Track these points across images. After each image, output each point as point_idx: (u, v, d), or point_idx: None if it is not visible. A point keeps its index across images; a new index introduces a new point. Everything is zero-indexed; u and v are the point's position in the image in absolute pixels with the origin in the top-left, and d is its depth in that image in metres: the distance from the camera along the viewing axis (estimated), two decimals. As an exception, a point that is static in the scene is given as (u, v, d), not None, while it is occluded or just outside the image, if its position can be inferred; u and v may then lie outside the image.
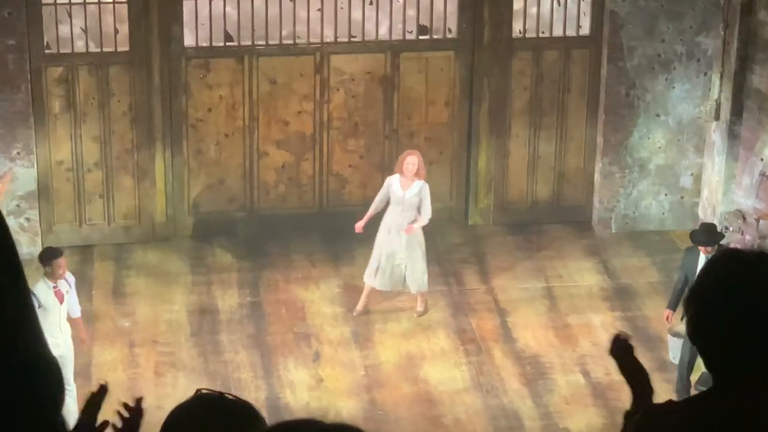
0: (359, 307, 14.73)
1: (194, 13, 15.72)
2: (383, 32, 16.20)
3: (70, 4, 15.48)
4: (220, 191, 16.38)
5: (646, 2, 15.86)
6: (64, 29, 15.64)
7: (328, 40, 16.05)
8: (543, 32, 16.35)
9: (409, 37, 16.26)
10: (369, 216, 14.64)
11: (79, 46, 15.68)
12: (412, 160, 14.41)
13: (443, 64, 16.30)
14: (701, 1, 15.80)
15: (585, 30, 16.34)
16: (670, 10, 15.90)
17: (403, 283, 14.65)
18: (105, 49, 15.65)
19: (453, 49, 16.28)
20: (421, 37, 16.30)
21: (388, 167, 16.47)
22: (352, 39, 16.13)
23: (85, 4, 15.49)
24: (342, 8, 15.99)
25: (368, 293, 14.75)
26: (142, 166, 16.01)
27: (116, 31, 15.62)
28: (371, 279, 14.66)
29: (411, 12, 16.24)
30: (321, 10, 15.92)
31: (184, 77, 15.89)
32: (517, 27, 16.27)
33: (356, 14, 16.10)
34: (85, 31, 15.72)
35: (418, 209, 14.46)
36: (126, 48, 15.67)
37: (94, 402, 4.69)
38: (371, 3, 16.11)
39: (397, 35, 16.20)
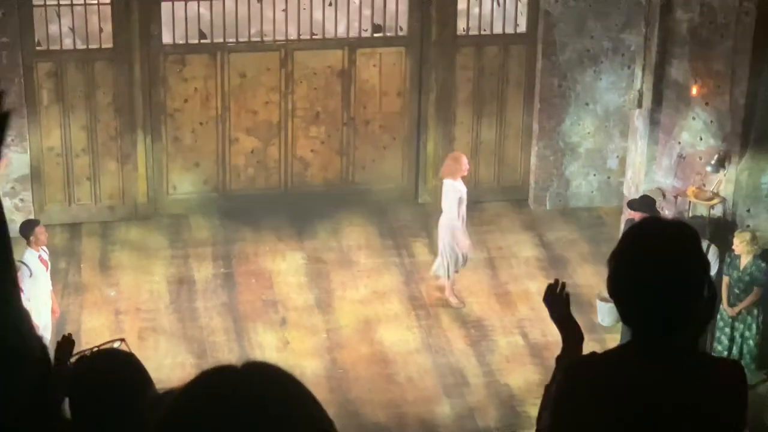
0: (456, 300, 14.32)
1: (171, 13, 15.58)
2: (341, 30, 16.11)
3: (59, 5, 15.33)
4: (196, 174, 16.25)
5: (576, 2, 15.85)
6: (53, 28, 15.47)
7: (292, 37, 15.95)
8: (484, 30, 16.31)
9: (364, 34, 16.17)
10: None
11: (67, 43, 15.51)
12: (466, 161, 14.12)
13: (395, 59, 16.23)
14: (625, 1, 15.82)
15: (522, 28, 16.30)
16: (597, 10, 15.91)
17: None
18: (90, 46, 15.51)
19: (404, 46, 16.21)
20: (375, 35, 16.21)
21: (345, 152, 16.43)
22: (313, 36, 16.04)
23: (72, 5, 15.32)
24: (304, 9, 15.89)
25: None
26: (125, 151, 15.87)
27: (101, 30, 15.46)
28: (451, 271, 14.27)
29: (366, 12, 16.16)
30: (285, 10, 15.84)
31: (162, 71, 15.75)
32: (461, 25, 16.21)
33: (317, 14, 16.01)
34: (72, 29, 15.55)
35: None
36: (110, 45, 15.52)
37: (63, 350, 4.76)
38: (330, 4, 16.03)
39: (353, 33, 16.11)
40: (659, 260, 3.63)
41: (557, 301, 4.37)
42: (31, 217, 15.03)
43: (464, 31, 16.24)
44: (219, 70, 15.85)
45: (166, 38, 15.69)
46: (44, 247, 12.69)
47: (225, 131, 16.11)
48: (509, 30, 16.30)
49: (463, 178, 14.21)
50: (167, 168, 16.13)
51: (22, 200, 15.54)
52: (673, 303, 3.63)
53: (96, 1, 15.36)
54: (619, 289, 3.70)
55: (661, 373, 3.65)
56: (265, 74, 15.98)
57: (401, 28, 16.25)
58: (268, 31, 15.90)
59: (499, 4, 16.31)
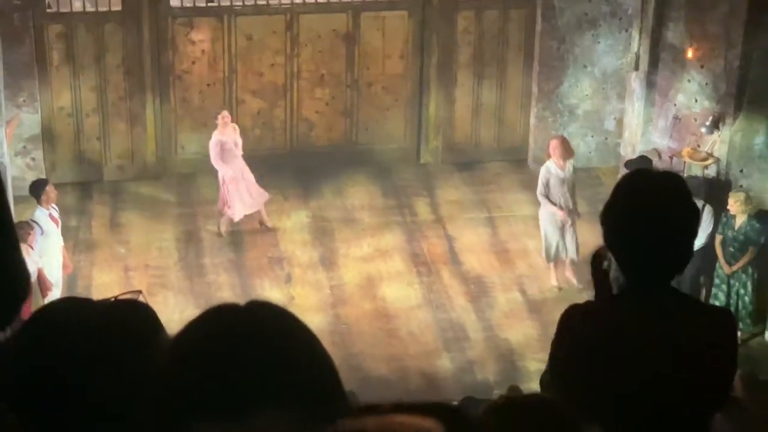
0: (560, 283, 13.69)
1: (179, -23, 15.52)
2: (345, -6, 16.05)
3: (69, -31, 15.27)
4: (203, 134, 16.15)
5: (575, -33, 15.76)
6: (63, -9, 15.40)
7: (297, 1, 15.86)
8: (485, -6, 16.23)
9: (368, -2, 16.11)
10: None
11: (77, 6, 15.41)
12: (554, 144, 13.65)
13: (398, 23, 16.14)
14: (623, -34, 15.73)
15: (522, -8, 16.22)
16: (596, -25, 15.82)
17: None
18: (100, 9, 15.43)
19: (406, 9, 16.13)
20: (378, -1, 16.15)
21: (349, 113, 16.38)
22: (318, 0, 15.94)
23: (82, -31, 15.26)
24: (309, -27, 15.83)
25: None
26: (134, 112, 15.81)
27: (110, -7, 15.40)
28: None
29: (370, -24, 16.08)
30: (290, -26, 15.77)
31: (170, 34, 15.67)
32: (462, -11, 16.13)
33: (321, -22, 15.94)
34: (82, -7, 15.47)
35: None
36: (119, 8, 15.44)
37: None
38: (335, -32, 15.94)
39: (357, -3, 16.05)
40: (648, 211, 3.64)
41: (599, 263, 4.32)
42: (42, 176, 15.02)
43: (465, -6, 16.16)
44: (226, 33, 15.77)
45: (174, 1, 15.61)
46: (54, 205, 12.67)
47: (232, 93, 16.05)
48: (509, -6, 16.23)
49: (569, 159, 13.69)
50: (176, 128, 16.08)
51: (33, 159, 15.52)
52: (663, 253, 3.63)
53: (105, -35, 15.30)
54: (612, 241, 3.71)
55: (652, 324, 3.66)
56: (271, 37, 15.90)
57: (404, -8, 16.18)
58: (274, -5, 15.83)
59: (499, -32, 16.22)
